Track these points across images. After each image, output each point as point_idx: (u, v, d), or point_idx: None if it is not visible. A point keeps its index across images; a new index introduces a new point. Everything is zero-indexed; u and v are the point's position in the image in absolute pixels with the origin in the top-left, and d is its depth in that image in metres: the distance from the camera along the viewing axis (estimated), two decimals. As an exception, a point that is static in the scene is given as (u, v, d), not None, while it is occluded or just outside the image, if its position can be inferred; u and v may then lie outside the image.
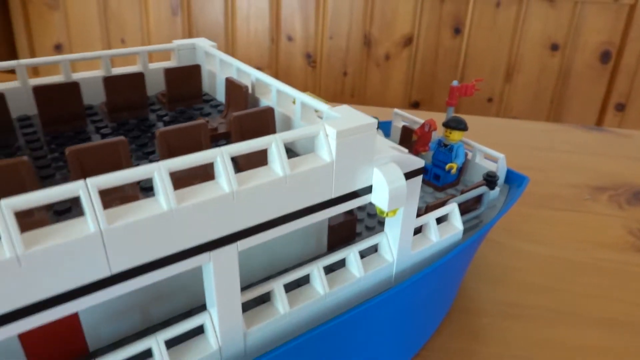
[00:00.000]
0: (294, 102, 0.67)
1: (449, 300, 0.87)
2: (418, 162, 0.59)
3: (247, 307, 0.56)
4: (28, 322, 0.38)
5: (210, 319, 0.52)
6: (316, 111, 0.64)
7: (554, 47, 2.69)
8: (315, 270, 0.59)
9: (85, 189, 0.39)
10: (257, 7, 2.81)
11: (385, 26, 2.81)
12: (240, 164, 0.60)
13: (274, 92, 0.67)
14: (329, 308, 0.60)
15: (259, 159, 0.52)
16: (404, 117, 1.03)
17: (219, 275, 0.48)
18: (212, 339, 0.52)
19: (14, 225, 0.36)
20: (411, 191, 0.60)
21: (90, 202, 0.39)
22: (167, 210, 0.42)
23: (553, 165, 1.46)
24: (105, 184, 0.40)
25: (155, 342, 0.49)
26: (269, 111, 0.64)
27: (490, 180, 0.82)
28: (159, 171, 0.42)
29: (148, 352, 0.48)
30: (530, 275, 0.98)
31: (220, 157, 0.45)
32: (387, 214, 0.57)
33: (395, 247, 0.64)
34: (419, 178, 0.60)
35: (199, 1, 2.78)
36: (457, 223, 0.73)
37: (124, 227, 0.40)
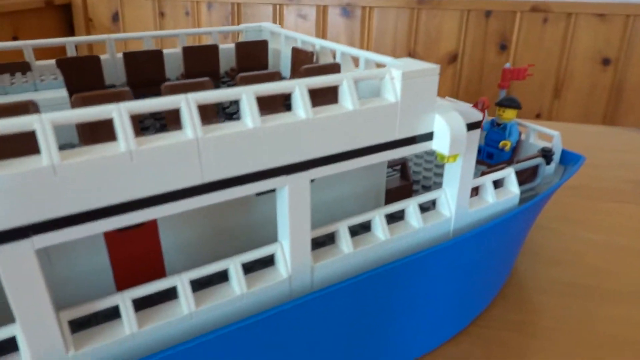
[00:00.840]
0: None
1: (505, 271, 0.87)
2: (477, 115, 0.62)
3: (313, 248, 0.59)
4: (137, 215, 0.43)
5: (281, 249, 0.56)
6: (378, 65, 0.68)
7: (606, 62, 2.65)
8: (377, 217, 0.62)
9: (186, 102, 0.44)
10: (303, 29, 2.93)
11: (430, 43, 2.85)
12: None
13: (339, 55, 0.72)
14: (390, 255, 0.63)
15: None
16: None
17: (293, 202, 0.52)
18: (283, 268, 0.56)
19: (129, 127, 0.41)
20: (470, 143, 0.62)
21: (190, 113, 0.44)
22: (252, 127, 0.47)
23: (608, 162, 1.43)
24: (203, 100, 0.45)
25: (233, 264, 0.53)
26: (336, 66, 0.68)
27: (546, 154, 0.83)
28: (247, 94, 0.47)
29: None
30: (588, 258, 0.97)
31: (298, 87, 0.49)
32: (447, 159, 0.59)
33: (453, 203, 0.66)
34: (477, 131, 0.63)
35: (247, 21, 2.94)
36: (513, 188, 0.75)
37: (217, 138, 0.45)
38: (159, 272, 0.58)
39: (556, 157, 0.89)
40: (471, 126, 0.61)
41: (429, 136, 0.59)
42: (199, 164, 0.45)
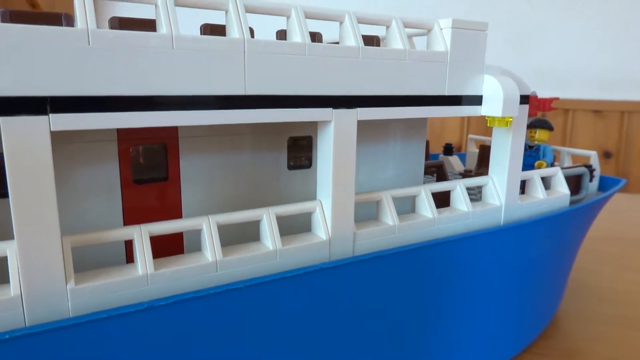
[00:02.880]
0: None
1: (556, 294, 0.77)
2: (526, 87, 0.59)
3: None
4: (167, 117, 0.38)
5: (320, 208, 0.48)
6: None
7: (607, 155, 2.70)
8: (423, 193, 0.56)
9: (233, 4, 0.41)
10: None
11: (434, 138, 2.94)
12: None
13: None
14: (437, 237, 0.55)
15: None
16: (478, 141, 1.03)
17: (338, 145, 0.46)
18: (322, 231, 0.48)
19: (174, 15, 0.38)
20: (520, 118, 0.58)
21: (239, 16, 0.41)
22: (302, 42, 0.43)
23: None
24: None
25: (266, 214, 0.46)
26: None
27: (588, 168, 0.79)
28: (296, 10, 0.44)
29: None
30: (635, 296, 0.87)
31: (348, 17, 0.47)
32: (498, 122, 0.55)
33: (502, 192, 0.60)
34: (526, 107, 0.59)
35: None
36: (562, 188, 0.69)
37: (263, 45, 0.41)
38: (177, 240, 0.50)
39: (596, 172, 0.84)
40: (521, 99, 0.58)
41: (478, 100, 0.55)
42: (243, 73, 0.41)
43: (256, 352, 0.44)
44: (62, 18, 0.43)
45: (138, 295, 0.39)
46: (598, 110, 2.71)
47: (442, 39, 0.52)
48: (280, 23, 0.48)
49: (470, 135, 1.05)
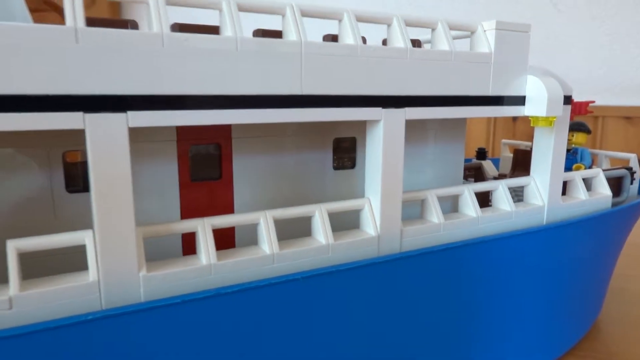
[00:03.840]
0: None
1: (597, 298, 0.77)
2: (569, 89, 0.59)
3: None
4: (234, 115, 0.40)
5: (369, 205, 0.50)
6: None
7: None
8: (466, 192, 0.57)
9: (291, 9, 0.43)
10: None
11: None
12: None
13: None
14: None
15: None
16: (512, 145, 1.04)
17: (387, 144, 0.48)
18: (370, 227, 0.49)
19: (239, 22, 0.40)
20: (562, 118, 0.59)
21: (295, 20, 0.43)
22: (354, 44, 0.45)
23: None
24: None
25: (318, 210, 0.48)
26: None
27: (628, 170, 0.78)
28: (348, 14, 0.46)
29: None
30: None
31: (396, 20, 0.49)
32: (542, 122, 0.55)
33: (545, 192, 0.61)
34: (569, 108, 0.60)
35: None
36: (603, 190, 0.69)
37: (319, 47, 0.43)
38: (229, 234, 0.52)
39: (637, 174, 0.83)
40: (564, 99, 0.58)
41: (521, 100, 0.56)
42: (300, 74, 0.43)
43: (311, 341, 0.45)
44: (129, 25, 0.46)
45: (202, 284, 0.41)
46: (629, 116, 2.66)
47: (486, 41, 0.53)
48: (328, 27, 0.50)
49: (503, 140, 1.05)
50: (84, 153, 0.40)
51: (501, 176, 0.94)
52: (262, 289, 0.41)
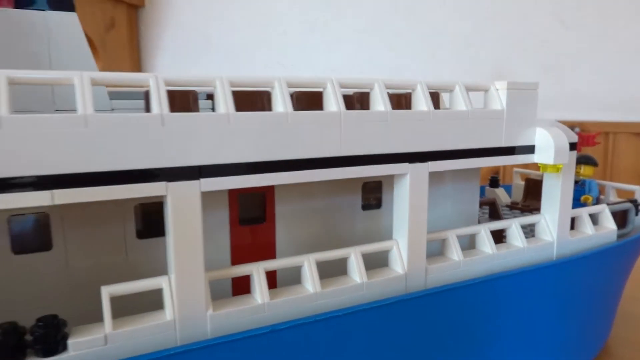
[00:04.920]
0: None
1: (606, 322, 0.82)
2: (573, 136, 0.66)
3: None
4: (293, 176, 0.48)
5: (397, 247, 0.57)
6: None
7: (651, 178, 2.67)
8: (483, 231, 0.63)
9: (331, 83, 0.51)
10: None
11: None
12: None
13: None
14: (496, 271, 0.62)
15: None
16: (523, 174, 1.10)
17: (413, 193, 0.55)
18: (398, 265, 0.56)
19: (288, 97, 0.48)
20: (569, 164, 0.65)
21: (335, 93, 0.50)
22: (385, 110, 0.52)
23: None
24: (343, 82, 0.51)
25: (354, 252, 0.54)
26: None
27: (633, 202, 0.84)
28: (378, 84, 0.53)
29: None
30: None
31: (420, 86, 0.56)
32: (550, 168, 0.62)
33: (554, 228, 0.67)
34: (574, 152, 0.66)
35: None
36: (609, 224, 0.75)
37: (356, 115, 0.50)
38: (272, 272, 0.59)
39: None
40: (570, 146, 0.65)
41: (531, 149, 0.63)
42: (339, 138, 0.50)
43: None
44: (190, 96, 0.54)
45: (257, 320, 0.48)
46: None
47: (498, 98, 0.60)
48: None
49: (515, 169, 1.11)
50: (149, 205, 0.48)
51: (513, 204, 1.01)
52: (310, 325, 0.48)
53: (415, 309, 0.55)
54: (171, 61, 2.56)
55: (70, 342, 0.41)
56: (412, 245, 0.56)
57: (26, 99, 0.46)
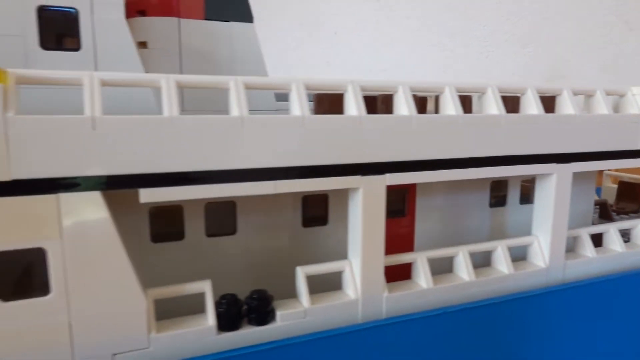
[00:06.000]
0: None
1: None
2: None
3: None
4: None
5: (538, 242, 0.60)
6: None
7: None
8: (612, 230, 0.66)
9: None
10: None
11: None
12: None
13: None
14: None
15: None
16: (614, 177, 1.10)
17: (558, 190, 0.58)
18: (540, 259, 0.60)
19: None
20: None
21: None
22: (538, 114, 0.56)
23: None
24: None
25: (500, 245, 0.59)
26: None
27: None
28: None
29: None
30: None
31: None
32: None
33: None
34: None
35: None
36: None
37: (516, 118, 0.54)
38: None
39: None
40: None
41: None
42: (501, 138, 0.54)
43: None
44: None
45: (422, 304, 0.52)
46: None
47: (636, 103, 0.63)
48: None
49: (606, 171, 1.12)
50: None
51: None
52: (477, 309, 0.52)
53: (555, 301, 0.58)
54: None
55: (279, 313, 0.46)
56: (554, 240, 0.59)
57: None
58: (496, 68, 2.16)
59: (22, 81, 0.37)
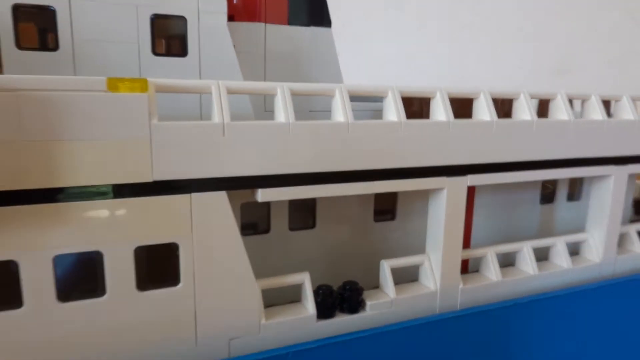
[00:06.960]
0: None
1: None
2: None
3: None
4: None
5: (592, 238, 0.64)
6: None
7: None
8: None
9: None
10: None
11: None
12: None
13: None
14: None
15: None
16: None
17: (615, 190, 0.62)
18: (594, 255, 0.64)
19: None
20: None
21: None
22: (602, 120, 0.59)
23: None
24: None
25: (558, 241, 0.63)
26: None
27: None
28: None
29: None
30: None
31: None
32: None
33: None
34: None
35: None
36: None
37: (582, 124, 0.58)
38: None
39: None
40: None
41: None
42: (569, 141, 0.58)
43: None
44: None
45: (493, 295, 0.57)
46: None
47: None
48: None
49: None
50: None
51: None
52: (548, 300, 0.57)
53: (608, 295, 0.63)
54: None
55: (369, 303, 0.50)
56: (608, 237, 0.63)
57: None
58: (502, 61, 2.18)
59: (160, 89, 0.40)
